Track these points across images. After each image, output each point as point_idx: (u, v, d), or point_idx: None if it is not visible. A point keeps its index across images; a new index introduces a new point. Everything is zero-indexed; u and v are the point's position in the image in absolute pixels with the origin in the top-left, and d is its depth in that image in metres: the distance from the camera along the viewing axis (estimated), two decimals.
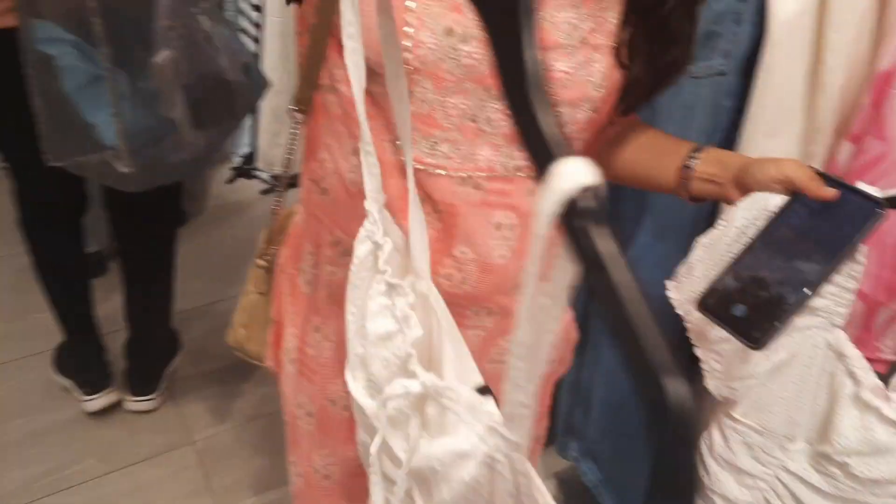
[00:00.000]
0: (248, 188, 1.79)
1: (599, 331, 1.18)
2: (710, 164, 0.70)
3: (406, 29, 0.59)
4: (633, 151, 0.77)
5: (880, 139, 0.87)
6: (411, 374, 0.48)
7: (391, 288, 0.51)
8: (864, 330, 0.95)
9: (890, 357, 0.96)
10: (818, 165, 0.95)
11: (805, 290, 0.62)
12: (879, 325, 0.93)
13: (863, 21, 0.86)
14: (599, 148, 0.77)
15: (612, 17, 0.63)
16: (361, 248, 0.54)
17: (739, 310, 0.63)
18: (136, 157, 1.00)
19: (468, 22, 0.59)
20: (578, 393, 1.30)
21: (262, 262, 0.90)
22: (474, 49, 0.59)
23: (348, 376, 0.55)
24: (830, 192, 0.62)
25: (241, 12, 1.53)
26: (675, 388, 0.24)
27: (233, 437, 1.61)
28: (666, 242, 1.06)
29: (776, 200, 0.65)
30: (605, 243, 0.27)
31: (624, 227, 1.11)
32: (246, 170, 1.84)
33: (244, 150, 1.78)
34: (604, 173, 0.94)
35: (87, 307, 1.56)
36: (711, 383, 0.74)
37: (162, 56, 0.99)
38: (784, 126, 0.92)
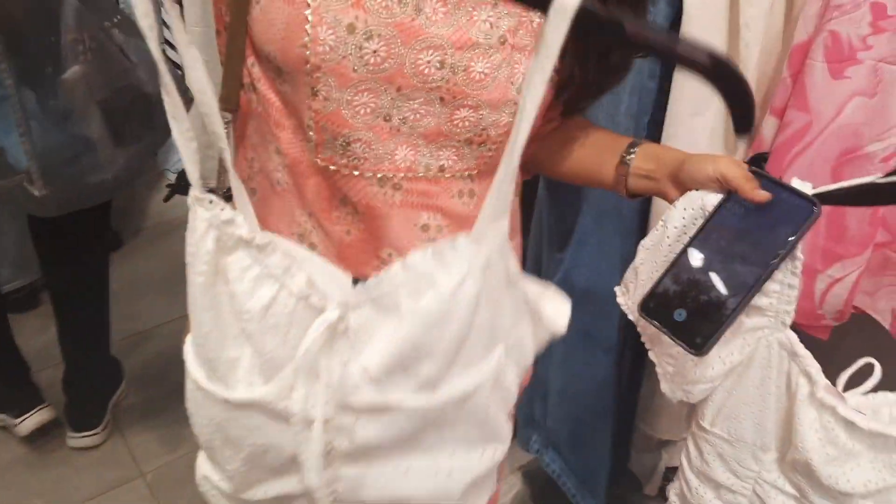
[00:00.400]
0: (187, 204, 1.73)
1: None
2: (645, 160, 0.69)
3: (305, 27, 0.56)
4: (576, 150, 0.75)
5: (803, 110, 0.88)
6: (320, 310, 0.48)
7: (260, 251, 0.49)
8: (804, 297, 0.97)
9: (831, 322, 0.97)
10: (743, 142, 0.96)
11: (743, 294, 0.60)
12: (819, 292, 0.95)
13: None
14: (540, 146, 0.75)
15: (536, 17, 0.60)
16: (206, 243, 0.50)
17: (680, 314, 0.62)
18: (50, 179, 0.95)
19: (371, 18, 0.56)
20: (535, 385, 1.30)
21: None
22: (379, 47, 0.57)
23: (217, 389, 0.53)
24: (763, 195, 0.62)
25: (166, 25, 1.48)
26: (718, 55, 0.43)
27: (185, 464, 1.55)
28: (604, 229, 1.06)
29: (712, 199, 0.64)
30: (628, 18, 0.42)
31: (565, 214, 1.12)
32: (183, 186, 1.79)
33: (179, 165, 1.74)
34: (547, 171, 0.92)
35: (2, 330, 1.49)
36: (665, 386, 0.72)
37: (71, 72, 0.94)
38: (707, 104, 0.93)
